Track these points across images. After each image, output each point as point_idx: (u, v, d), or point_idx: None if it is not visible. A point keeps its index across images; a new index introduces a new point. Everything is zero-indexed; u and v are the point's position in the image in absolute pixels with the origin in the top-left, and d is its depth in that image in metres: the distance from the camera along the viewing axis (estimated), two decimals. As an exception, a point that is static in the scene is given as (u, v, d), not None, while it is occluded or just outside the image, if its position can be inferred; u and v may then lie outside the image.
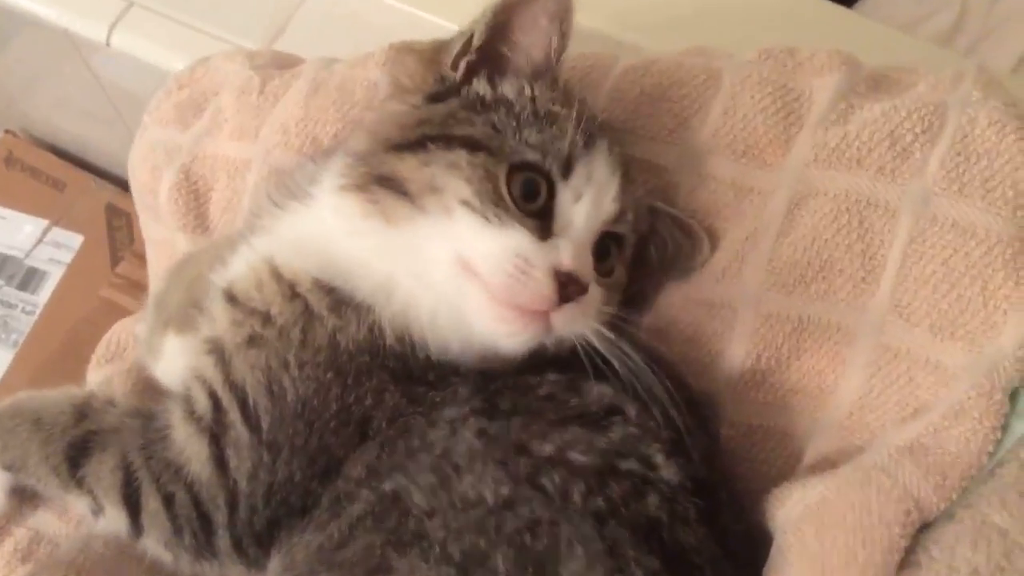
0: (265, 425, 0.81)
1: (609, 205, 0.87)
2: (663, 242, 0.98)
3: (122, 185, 1.88)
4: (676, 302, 0.99)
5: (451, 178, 0.82)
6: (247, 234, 0.95)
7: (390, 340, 0.85)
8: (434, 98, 0.89)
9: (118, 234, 1.95)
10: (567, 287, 0.80)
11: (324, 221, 0.89)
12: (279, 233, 0.93)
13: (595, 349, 0.82)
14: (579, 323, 0.83)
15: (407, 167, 0.84)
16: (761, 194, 0.96)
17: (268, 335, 0.85)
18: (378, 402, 0.83)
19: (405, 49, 1.10)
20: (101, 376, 1.12)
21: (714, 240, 0.97)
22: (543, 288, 0.80)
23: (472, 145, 0.84)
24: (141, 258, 1.98)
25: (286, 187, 0.97)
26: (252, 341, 0.86)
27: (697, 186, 0.98)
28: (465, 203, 0.81)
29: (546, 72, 0.90)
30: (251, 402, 0.82)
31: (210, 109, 1.19)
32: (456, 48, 0.89)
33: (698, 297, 0.97)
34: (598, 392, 0.83)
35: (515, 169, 0.83)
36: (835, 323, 0.91)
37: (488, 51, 0.89)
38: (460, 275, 0.82)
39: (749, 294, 0.93)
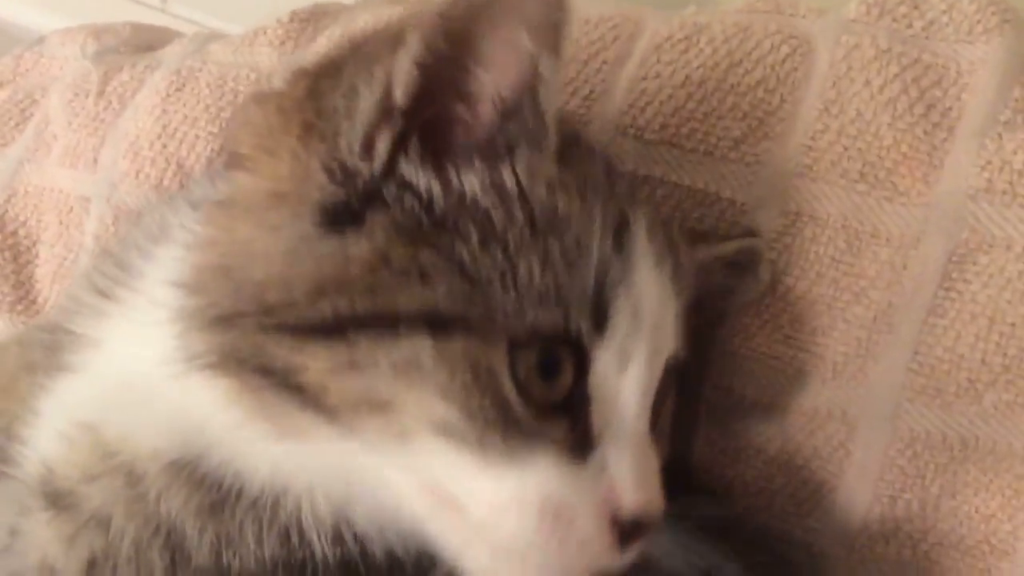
0: None
1: (669, 342, 0.50)
2: (711, 290, 0.60)
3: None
4: (751, 398, 0.65)
5: (412, 390, 0.43)
6: (56, 354, 0.57)
7: (322, 547, 0.49)
8: (334, 216, 0.45)
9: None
10: (633, 535, 0.46)
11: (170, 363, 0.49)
12: (106, 360, 0.55)
13: None
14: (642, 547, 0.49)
15: (316, 367, 0.44)
16: (894, 243, 0.61)
17: (117, 557, 0.50)
18: None
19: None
20: None
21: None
22: (594, 549, 0.45)
23: (438, 324, 0.44)
24: None
25: (118, 259, 0.58)
26: (95, 569, 0.51)
27: (784, 230, 0.62)
28: (444, 428, 0.44)
29: (539, 132, 0.47)
30: None
31: (36, 118, 0.80)
32: (367, 111, 0.45)
33: (789, 401, 0.64)
34: None
35: (518, 347, 0.45)
36: (1022, 449, 0.60)
37: (422, 109, 0.46)
38: (444, 516, 0.46)
39: (879, 404, 0.62)
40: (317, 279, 0.44)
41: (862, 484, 0.62)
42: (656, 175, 0.64)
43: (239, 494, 0.50)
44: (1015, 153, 0.58)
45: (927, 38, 0.64)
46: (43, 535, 0.52)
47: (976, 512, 0.61)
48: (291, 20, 0.74)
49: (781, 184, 0.62)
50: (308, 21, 0.74)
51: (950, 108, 0.61)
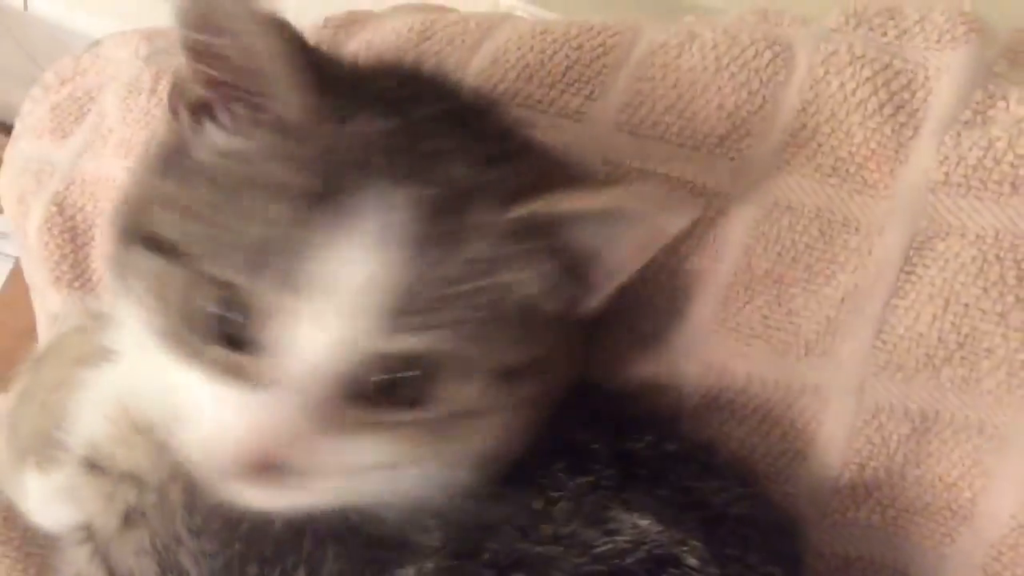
0: None
1: (377, 316, 0.48)
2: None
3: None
4: (735, 373, 0.69)
5: (143, 298, 0.54)
6: (100, 336, 0.65)
7: None
8: (166, 162, 0.57)
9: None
10: (267, 475, 0.51)
11: None
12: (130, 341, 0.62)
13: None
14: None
15: (133, 271, 0.57)
16: (862, 232, 0.66)
17: (146, 505, 0.61)
18: (314, 569, 0.57)
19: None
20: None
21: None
22: (227, 469, 0.52)
23: (169, 250, 0.52)
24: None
25: None
26: (129, 519, 0.61)
27: (762, 220, 0.68)
28: (152, 334, 0.54)
29: (261, 103, 0.53)
30: None
31: (93, 114, 0.88)
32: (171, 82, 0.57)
33: (768, 375, 0.69)
34: (633, 527, 0.57)
35: (199, 284, 0.52)
36: (978, 422, 0.65)
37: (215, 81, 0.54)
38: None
39: (847, 378, 0.67)
40: (140, 201, 0.56)
41: (832, 453, 0.67)
42: (649, 168, 0.69)
43: None
44: (970, 149, 0.63)
45: (900, 46, 0.69)
46: (86, 495, 0.61)
47: (939, 480, 0.66)
48: (325, 26, 0.81)
49: (761, 177, 0.68)
50: (341, 27, 0.81)
51: (917, 109, 0.66)
